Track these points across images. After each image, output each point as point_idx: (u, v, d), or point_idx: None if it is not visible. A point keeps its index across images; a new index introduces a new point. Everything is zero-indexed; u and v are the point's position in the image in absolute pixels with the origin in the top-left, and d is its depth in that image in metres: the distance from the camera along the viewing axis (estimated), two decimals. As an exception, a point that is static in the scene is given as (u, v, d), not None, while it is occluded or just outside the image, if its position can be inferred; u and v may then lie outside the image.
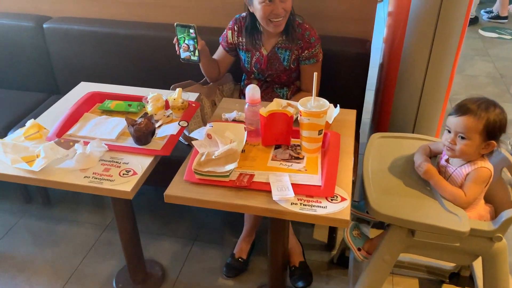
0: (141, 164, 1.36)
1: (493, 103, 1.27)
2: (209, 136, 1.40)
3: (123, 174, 1.32)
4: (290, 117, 1.38)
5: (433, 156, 1.48)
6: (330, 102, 1.98)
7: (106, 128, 1.52)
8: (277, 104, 1.53)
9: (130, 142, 1.47)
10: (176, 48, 1.71)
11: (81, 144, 1.37)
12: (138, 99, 1.67)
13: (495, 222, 1.26)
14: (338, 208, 1.18)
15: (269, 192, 1.23)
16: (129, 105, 1.64)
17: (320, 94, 1.52)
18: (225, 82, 2.08)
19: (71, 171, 1.32)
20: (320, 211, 1.17)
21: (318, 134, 1.35)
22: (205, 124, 1.96)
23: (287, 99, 1.95)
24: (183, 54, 1.71)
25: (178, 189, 1.25)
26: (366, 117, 2.42)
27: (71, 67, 2.37)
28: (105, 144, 1.39)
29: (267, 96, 1.96)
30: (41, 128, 1.49)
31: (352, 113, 1.65)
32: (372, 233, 1.76)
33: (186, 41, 1.66)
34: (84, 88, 1.81)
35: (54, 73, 2.42)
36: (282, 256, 1.53)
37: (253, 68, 1.92)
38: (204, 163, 1.29)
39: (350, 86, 2.07)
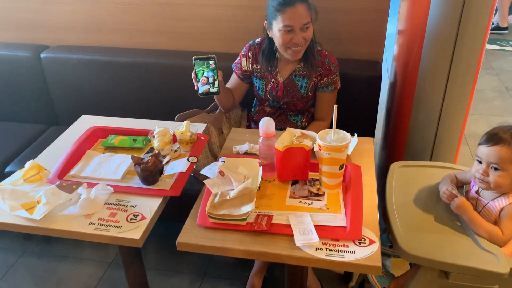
0: (149, 206, 1.27)
1: None
2: (221, 173, 1.31)
3: (131, 219, 1.22)
4: (308, 151, 1.29)
5: (459, 186, 1.39)
6: (342, 126, 1.91)
7: (110, 167, 1.43)
8: (290, 134, 1.43)
9: (136, 181, 1.37)
10: (194, 83, 1.60)
11: (85, 187, 1.27)
12: (143, 133, 1.58)
13: (536, 261, 1.16)
14: (367, 252, 1.08)
15: (291, 235, 1.13)
16: (134, 141, 1.55)
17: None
18: (232, 109, 1.99)
19: (75, 217, 1.22)
20: (348, 257, 1.07)
21: (340, 169, 1.26)
22: (212, 154, 1.87)
23: (302, 126, 1.87)
24: (202, 88, 1.58)
25: (191, 236, 1.16)
26: (376, 136, 2.33)
27: (71, 97, 2.29)
28: (110, 185, 1.30)
29: (280, 124, 1.88)
30: (41, 169, 1.40)
31: (369, 141, 1.57)
32: (393, 264, 1.66)
33: (205, 74, 1.55)
34: (85, 122, 1.72)
35: (53, 104, 2.33)
36: (301, 299, 1.42)
37: (268, 96, 1.84)
38: (218, 205, 1.20)
39: (363, 109, 2.00)
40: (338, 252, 1.09)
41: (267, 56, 1.77)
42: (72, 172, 1.41)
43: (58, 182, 1.29)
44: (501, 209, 1.22)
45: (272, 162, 1.36)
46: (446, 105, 1.67)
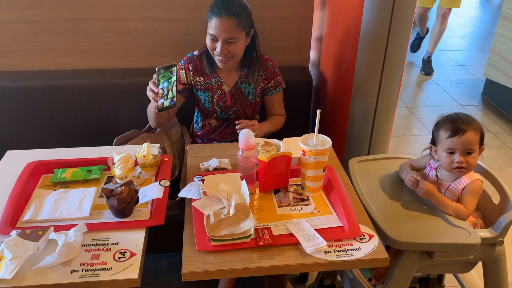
0: (134, 241, 1.15)
1: (467, 114, 1.37)
2: (204, 193, 1.24)
3: (119, 258, 1.09)
4: (290, 158, 1.29)
5: (414, 172, 1.53)
6: (281, 131, 1.93)
7: (71, 204, 1.26)
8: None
9: (107, 216, 1.24)
10: (153, 98, 1.46)
11: (52, 230, 1.11)
12: (95, 162, 1.43)
13: (496, 228, 1.33)
14: (371, 247, 1.13)
15: (295, 244, 1.13)
16: (89, 171, 1.39)
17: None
18: (171, 126, 1.90)
19: (50, 268, 1.05)
20: (357, 255, 1.11)
21: (323, 172, 1.29)
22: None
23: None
24: (159, 102, 1.45)
25: (196, 264, 1.08)
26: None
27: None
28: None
29: (229, 136, 1.85)
30: (-16, 220, 1.17)
31: (326, 141, 1.63)
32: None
33: (161, 86, 1.43)
34: (14, 158, 1.48)
35: None
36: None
37: (216, 107, 1.79)
38: (216, 226, 1.14)
39: (297, 112, 2.06)
40: (346, 252, 1.12)
41: (207, 56, 1.73)
42: (26, 217, 1.21)
43: (18, 231, 1.10)
44: (463, 188, 1.36)
45: (250, 175, 1.34)
46: (381, 101, 1.82)
